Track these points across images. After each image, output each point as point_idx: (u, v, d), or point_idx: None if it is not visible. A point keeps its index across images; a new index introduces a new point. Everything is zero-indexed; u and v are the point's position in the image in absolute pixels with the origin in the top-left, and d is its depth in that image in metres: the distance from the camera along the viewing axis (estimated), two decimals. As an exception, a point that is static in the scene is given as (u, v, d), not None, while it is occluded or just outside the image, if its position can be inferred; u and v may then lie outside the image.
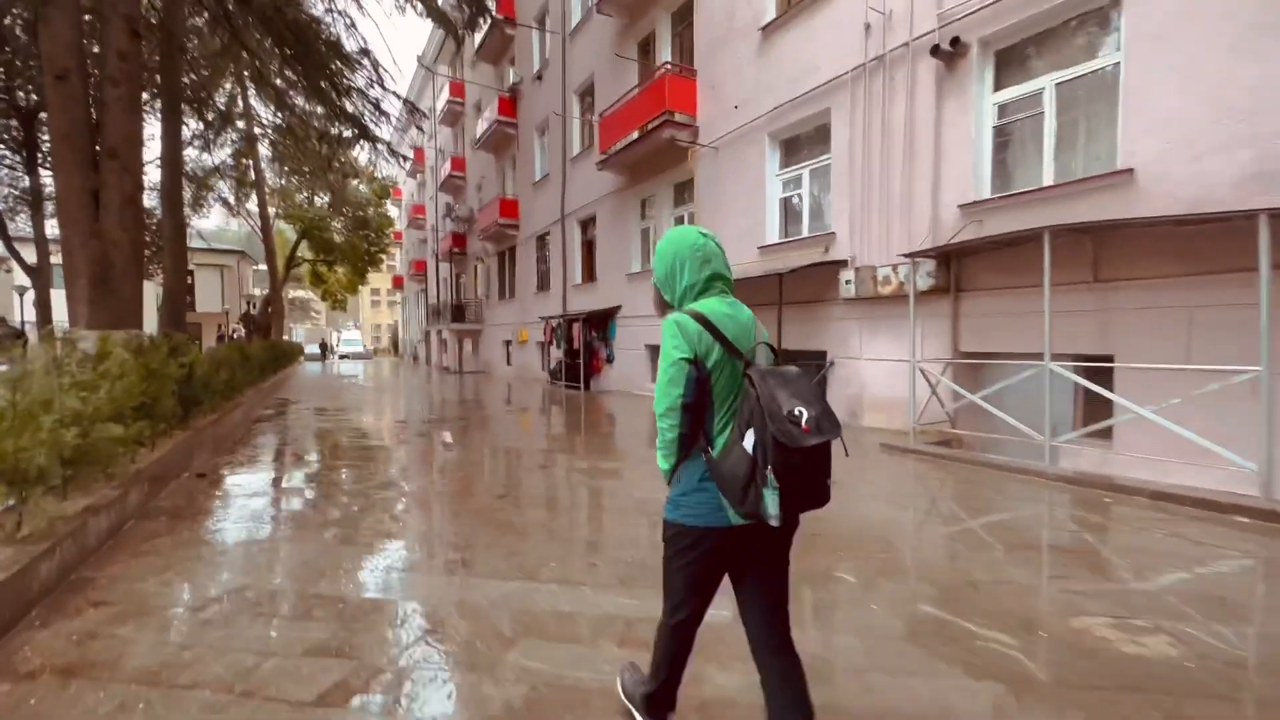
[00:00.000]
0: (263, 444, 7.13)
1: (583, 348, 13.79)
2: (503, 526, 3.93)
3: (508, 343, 21.18)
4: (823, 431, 1.29)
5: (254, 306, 33.28)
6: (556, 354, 15.56)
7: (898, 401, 7.20)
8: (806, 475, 1.33)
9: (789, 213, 9.21)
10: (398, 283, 45.06)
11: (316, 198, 31.50)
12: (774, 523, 1.31)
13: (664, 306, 1.67)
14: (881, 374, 7.46)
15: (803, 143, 8.91)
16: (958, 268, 6.68)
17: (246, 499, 4.70)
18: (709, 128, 10.32)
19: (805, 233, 8.75)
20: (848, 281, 7.63)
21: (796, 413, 1.28)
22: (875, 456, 6.05)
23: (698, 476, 1.50)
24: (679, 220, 11.88)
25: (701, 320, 1.47)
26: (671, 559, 1.57)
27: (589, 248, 15.66)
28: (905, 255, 6.60)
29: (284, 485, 5.32)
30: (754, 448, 1.33)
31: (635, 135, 11.66)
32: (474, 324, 24.13)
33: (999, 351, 6.18)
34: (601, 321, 13.87)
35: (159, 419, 5.16)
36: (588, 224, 15.54)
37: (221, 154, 22.46)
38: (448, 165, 26.31)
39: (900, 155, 7.16)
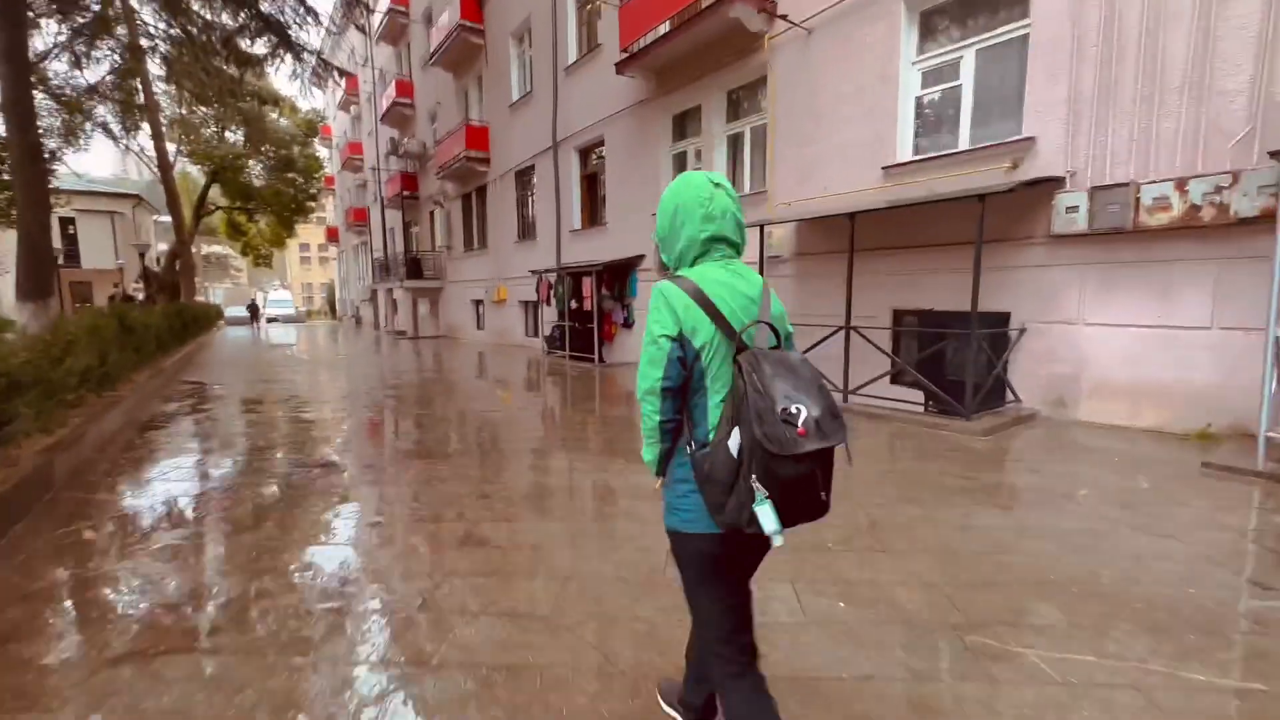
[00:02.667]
0: (146, 503, 4.06)
1: (595, 308, 10.90)
2: None
3: (478, 303, 17.90)
4: (823, 435, 1.11)
5: (158, 262, 28.16)
6: (555, 317, 12.58)
7: (1152, 388, 4.88)
8: (799, 488, 1.13)
9: (931, 117, 6.56)
10: (332, 235, 39.83)
11: (228, 132, 26.58)
12: (776, 541, 1.14)
13: (663, 269, 1.43)
14: (1119, 346, 5.10)
15: (963, 10, 6.21)
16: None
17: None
18: (796, 2, 7.43)
19: (964, 144, 6.15)
20: (1070, 209, 5.13)
21: (793, 411, 1.09)
22: (1199, 484, 3.70)
23: (685, 467, 1.30)
24: (731, 141, 9.03)
25: (693, 292, 1.25)
26: (690, 577, 1.37)
27: (591, 183, 12.56)
28: None
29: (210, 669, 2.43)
30: (738, 450, 1.15)
31: (669, 24, 8.64)
32: (433, 281, 20.56)
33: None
34: (619, 275, 10.99)
35: None
36: (590, 152, 12.39)
37: (99, 70, 17.89)
38: (391, 90, 22.00)
39: (1189, 11, 4.60)
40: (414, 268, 20.37)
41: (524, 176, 14.87)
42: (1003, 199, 5.43)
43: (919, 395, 5.96)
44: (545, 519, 3.49)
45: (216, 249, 53.82)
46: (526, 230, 15.05)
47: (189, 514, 3.65)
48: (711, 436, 1.25)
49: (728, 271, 1.32)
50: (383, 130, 24.51)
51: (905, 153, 6.61)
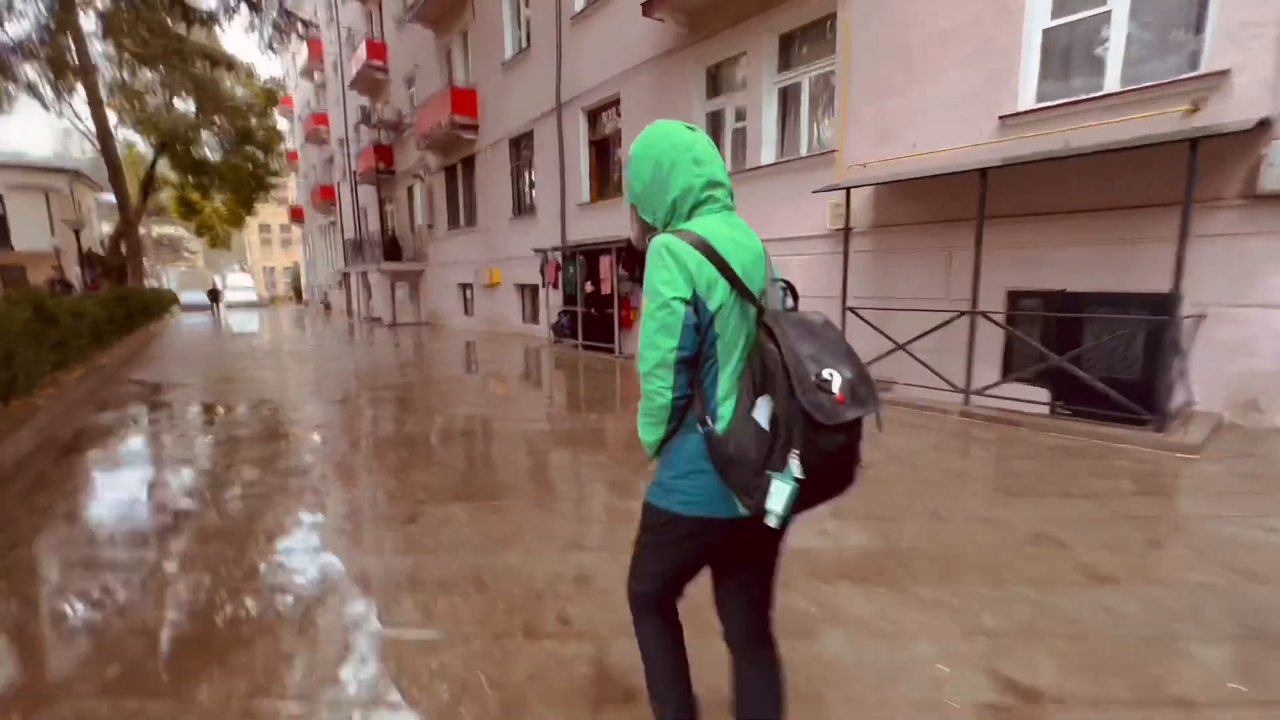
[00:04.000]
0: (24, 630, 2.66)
1: (614, 292, 9.55)
2: None
3: (466, 286, 16.32)
4: (860, 401, 1.00)
5: (103, 244, 25.59)
6: (561, 301, 11.17)
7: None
8: (840, 460, 1.03)
9: (1065, 55, 5.37)
10: (296, 215, 37.21)
11: (177, 100, 24.14)
12: (773, 522, 1.01)
13: (646, 231, 1.28)
14: (1346, 337, 4.03)
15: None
16: None
17: None
18: (880, -83, 6.13)
19: (1113, 84, 4.98)
20: (1287, 162, 4.00)
21: (826, 376, 0.99)
22: None
23: (699, 455, 1.13)
24: (783, 95, 7.72)
25: (702, 246, 1.09)
26: (653, 545, 1.26)
27: (601, 150, 11.12)
28: None
29: None
30: (770, 422, 1.03)
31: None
32: (413, 263, 18.83)
33: None
34: (641, 254, 9.60)
35: None
36: (601, 114, 10.93)
37: (24, 25, 15.79)
38: (361, 52, 19.96)
39: None
40: (392, 249, 18.60)
41: (520, 145, 13.31)
42: (1171, 153, 4.29)
43: (1031, 393, 4.90)
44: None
45: (168, 230, 50.32)
46: (524, 205, 13.52)
47: (99, 662, 2.27)
48: (723, 410, 1.11)
49: (729, 225, 1.16)
50: (352, 98, 22.42)
51: (1028, 99, 5.41)
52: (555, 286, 10.91)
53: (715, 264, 1.08)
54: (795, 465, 0.97)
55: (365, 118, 20.72)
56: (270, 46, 17.86)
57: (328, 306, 31.53)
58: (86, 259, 21.21)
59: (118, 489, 3.83)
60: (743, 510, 1.10)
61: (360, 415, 5.90)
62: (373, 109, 20.44)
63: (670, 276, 1.08)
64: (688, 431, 1.16)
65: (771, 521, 1.00)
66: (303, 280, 42.21)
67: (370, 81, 20.54)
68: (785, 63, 7.65)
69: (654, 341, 1.10)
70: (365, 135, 20.84)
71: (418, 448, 4.57)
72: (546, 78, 11.57)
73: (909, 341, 5.61)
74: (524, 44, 12.61)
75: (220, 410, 6.29)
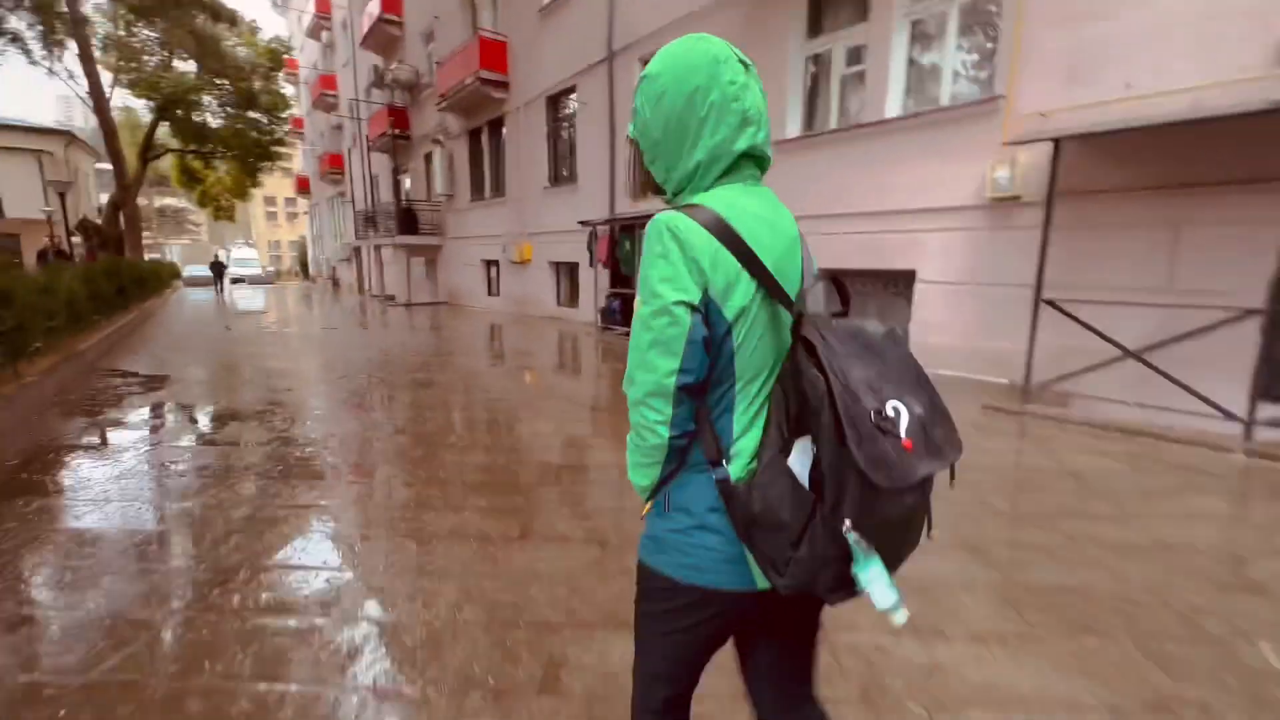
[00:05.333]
0: None
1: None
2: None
3: (491, 263, 14.89)
4: (935, 449, 0.74)
5: (99, 212, 24.17)
6: (607, 283, 9.73)
7: None
8: (903, 529, 0.80)
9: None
10: (302, 186, 35.58)
11: (177, 60, 22.58)
12: (898, 618, 0.74)
13: (650, 189, 0.97)
14: None
15: None
16: None
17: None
18: None
19: None
20: None
21: (889, 412, 0.72)
22: None
23: (704, 504, 0.86)
24: (917, 32, 6.19)
25: (720, 229, 0.80)
26: (651, 618, 0.95)
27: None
28: None
29: None
30: (810, 469, 0.77)
31: None
32: (431, 237, 17.37)
33: None
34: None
35: None
36: (661, 65, 9.37)
37: None
38: (374, 6, 18.25)
39: None
40: (407, 221, 17.10)
41: (560, 102, 11.75)
42: None
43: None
44: None
45: (171, 201, 48.80)
46: (562, 172, 12.01)
47: None
48: (742, 447, 0.84)
49: (757, 198, 0.87)
50: (363, 59, 20.75)
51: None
52: (607, 265, 9.44)
53: (738, 254, 0.80)
54: (857, 541, 0.72)
55: (378, 79, 19.11)
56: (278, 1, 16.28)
57: (336, 283, 30.12)
58: (82, 228, 19.79)
59: (46, 577, 2.50)
60: (764, 583, 0.85)
61: (416, 442, 4.55)
62: (386, 69, 18.78)
63: (673, 272, 0.79)
64: (692, 472, 0.87)
65: (898, 620, 0.74)
66: (309, 255, 40.72)
67: (384, 38, 18.86)
68: (923, -12, 6.11)
69: (648, 361, 0.81)
70: (377, 98, 19.22)
71: (504, 494, 3.22)
72: (594, 23, 9.98)
73: (1147, 349, 4.19)
74: (566, -15, 10.99)
75: (218, 423, 4.95)
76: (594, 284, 10.16)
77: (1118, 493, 3.16)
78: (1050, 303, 4.41)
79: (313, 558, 2.56)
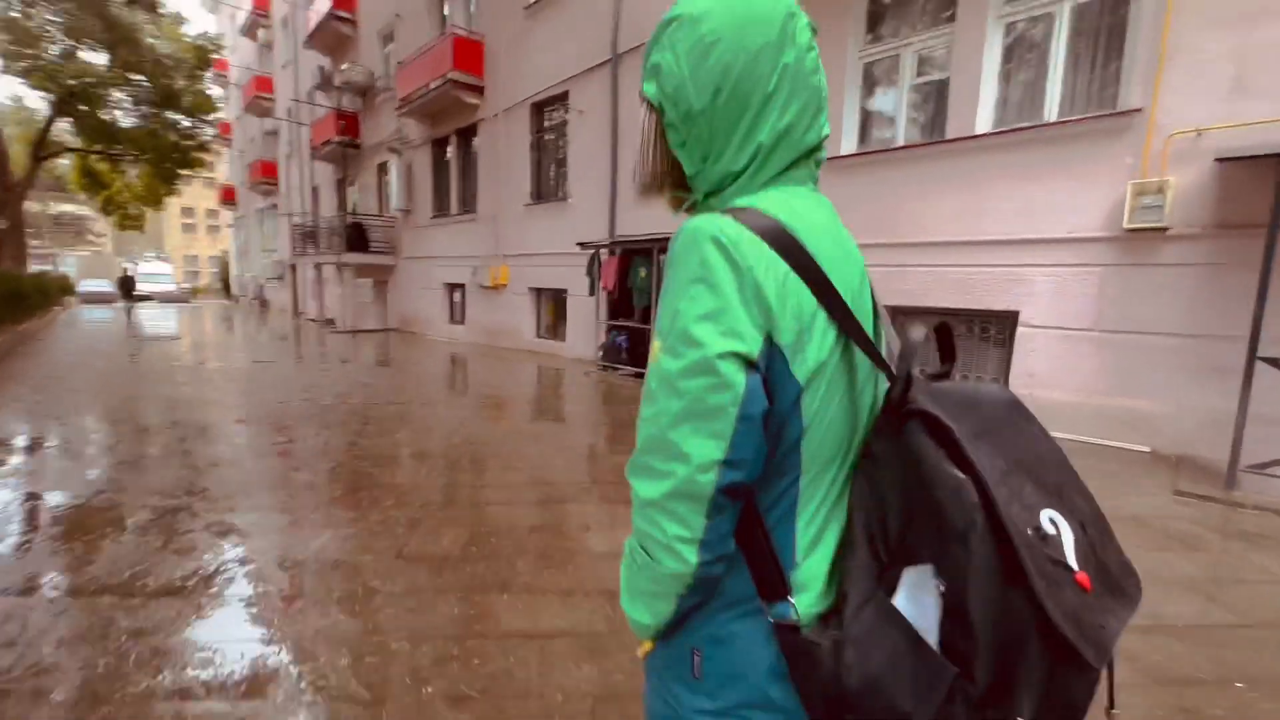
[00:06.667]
0: None
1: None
2: None
3: (455, 288, 13.25)
4: (1116, 588, 0.51)
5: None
6: (606, 314, 8.37)
7: None
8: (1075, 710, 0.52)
9: None
10: (228, 197, 32.38)
11: (83, 50, 19.94)
12: None
13: (668, 185, 0.68)
14: None
15: None
16: None
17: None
18: None
19: None
20: None
21: (1045, 526, 0.49)
22: None
23: (761, 667, 0.57)
24: (1014, 38, 5.35)
25: (787, 246, 0.55)
26: None
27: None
28: None
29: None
30: (942, 620, 0.50)
31: None
32: (383, 255, 15.50)
33: None
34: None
35: None
36: (676, 70, 8.29)
37: None
38: (322, 2, 16.52)
39: None
40: (355, 237, 15.18)
41: (548, 110, 10.47)
42: None
43: None
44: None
45: (69, 208, 43.75)
46: (548, 187, 10.65)
47: None
48: (809, 572, 0.57)
49: (820, 208, 0.62)
50: (307, 58, 18.82)
51: None
52: (612, 293, 8.08)
53: (814, 284, 0.54)
54: None
55: (325, 81, 17.25)
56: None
57: (264, 303, 27.18)
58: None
59: None
60: None
61: (429, 572, 3.04)
62: (335, 70, 16.97)
63: (720, 305, 0.53)
64: (733, 613, 0.59)
65: None
66: (232, 271, 37.08)
67: (333, 37, 17.08)
68: (1016, -14, 5.28)
69: (673, 443, 0.53)
70: (324, 102, 17.33)
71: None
72: (595, 20, 8.83)
73: None
74: (556, -19, 9.84)
75: (92, 551, 3.27)
76: (594, 314, 8.78)
77: None
78: (1271, 360, 3.44)
79: None
